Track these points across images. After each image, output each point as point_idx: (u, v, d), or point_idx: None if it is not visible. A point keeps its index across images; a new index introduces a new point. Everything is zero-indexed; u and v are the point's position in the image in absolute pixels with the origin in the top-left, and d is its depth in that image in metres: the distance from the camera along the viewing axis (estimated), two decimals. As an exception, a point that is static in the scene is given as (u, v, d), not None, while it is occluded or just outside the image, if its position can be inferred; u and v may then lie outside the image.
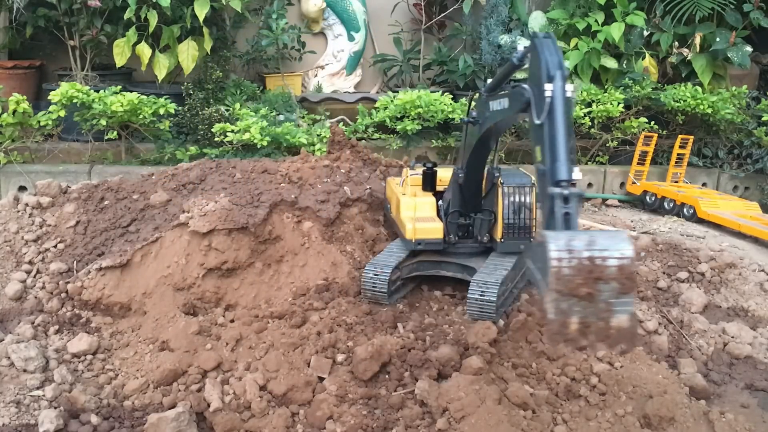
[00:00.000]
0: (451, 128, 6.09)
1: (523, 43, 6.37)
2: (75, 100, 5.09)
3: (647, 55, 6.54)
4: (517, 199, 3.47)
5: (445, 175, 3.81)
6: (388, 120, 5.87)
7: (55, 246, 3.86)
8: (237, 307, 3.53)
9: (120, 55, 5.58)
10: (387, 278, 3.40)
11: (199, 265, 3.55)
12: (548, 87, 2.40)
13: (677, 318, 3.74)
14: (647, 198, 5.88)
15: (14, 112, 5.17)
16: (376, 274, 3.42)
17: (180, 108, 5.58)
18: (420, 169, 3.87)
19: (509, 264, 3.43)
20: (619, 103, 5.98)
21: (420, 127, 5.84)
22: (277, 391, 2.92)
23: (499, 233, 3.50)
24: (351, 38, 6.97)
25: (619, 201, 6.10)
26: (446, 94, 6.01)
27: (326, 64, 7.03)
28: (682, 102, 6.07)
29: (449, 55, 6.81)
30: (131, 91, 5.24)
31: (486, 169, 3.60)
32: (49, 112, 5.20)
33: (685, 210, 5.56)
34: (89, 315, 3.49)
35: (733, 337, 3.61)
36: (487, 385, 2.82)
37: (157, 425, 2.72)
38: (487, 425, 2.64)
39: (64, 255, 3.81)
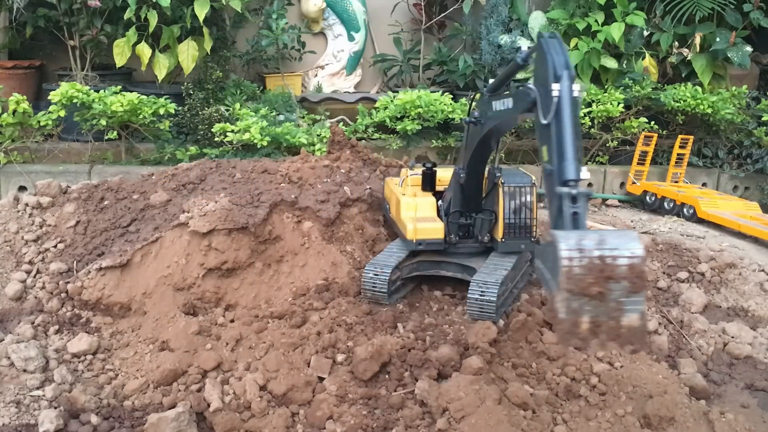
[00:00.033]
0: (451, 128, 6.09)
1: (523, 43, 6.38)
2: (75, 100, 5.09)
3: (647, 55, 6.53)
4: (517, 199, 3.47)
5: (444, 175, 3.81)
6: (388, 120, 5.87)
7: (55, 246, 3.86)
8: (237, 307, 3.53)
9: (120, 55, 5.58)
10: (387, 278, 3.40)
11: (199, 265, 3.55)
12: (555, 87, 2.40)
13: (677, 318, 3.75)
14: (647, 198, 5.88)
15: (14, 112, 5.17)
16: (376, 274, 3.42)
17: (180, 108, 5.58)
18: (418, 169, 3.87)
19: (509, 264, 3.43)
20: (619, 103, 5.98)
21: (420, 127, 5.84)
22: (277, 391, 2.92)
23: (500, 233, 3.50)
24: (351, 38, 6.96)
25: (619, 201, 6.10)
26: (446, 94, 6.01)
27: (326, 64, 7.03)
28: (682, 102, 6.07)
29: (449, 55, 6.81)
30: (131, 91, 5.24)
31: (487, 169, 3.60)
32: (49, 112, 5.20)
33: (685, 210, 5.56)
34: (89, 315, 3.49)
35: (733, 337, 3.61)
36: (487, 385, 2.82)
37: (157, 425, 2.72)
38: (487, 425, 2.64)
39: (64, 255, 3.81)
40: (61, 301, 3.54)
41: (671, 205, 5.65)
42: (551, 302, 2.13)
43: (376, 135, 6.03)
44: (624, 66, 6.37)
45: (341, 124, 6.00)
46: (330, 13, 6.90)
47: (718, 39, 6.33)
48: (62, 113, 5.17)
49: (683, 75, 6.56)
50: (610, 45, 6.22)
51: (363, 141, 5.87)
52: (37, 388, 2.94)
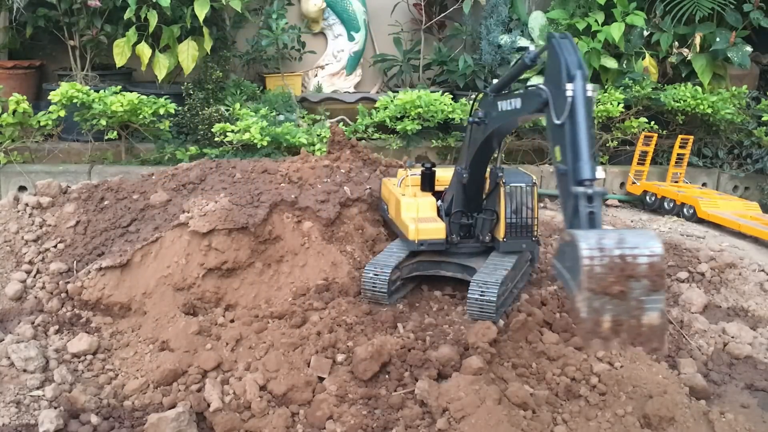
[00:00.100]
0: (451, 128, 6.09)
1: (523, 43, 6.38)
2: (75, 100, 5.09)
3: (647, 55, 6.54)
4: (519, 199, 3.48)
5: (443, 175, 3.81)
6: (388, 120, 5.87)
7: (55, 246, 3.86)
8: (237, 307, 3.53)
9: (120, 55, 5.58)
10: (387, 278, 3.40)
11: (199, 265, 3.55)
12: (569, 87, 2.40)
13: (677, 318, 3.75)
14: (647, 198, 5.88)
15: (14, 112, 5.17)
16: (376, 274, 3.42)
17: (180, 108, 5.58)
18: (416, 169, 3.87)
19: (509, 264, 3.43)
20: (619, 103, 5.98)
21: (420, 127, 5.85)
22: (277, 391, 2.92)
23: (501, 233, 3.50)
24: (351, 38, 6.96)
25: (619, 201, 6.10)
26: (446, 94, 6.01)
27: (326, 64, 7.03)
28: (682, 102, 6.07)
29: (449, 55, 6.81)
30: (131, 91, 5.24)
31: (488, 169, 3.60)
32: (49, 112, 5.20)
33: (685, 210, 5.56)
34: (89, 315, 3.49)
35: (733, 337, 3.61)
36: (487, 385, 2.82)
37: (157, 425, 2.72)
38: (487, 425, 2.63)
39: (64, 255, 3.81)
40: (61, 301, 3.54)
41: (671, 205, 5.65)
42: (571, 302, 2.13)
43: (376, 135, 6.03)
44: (624, 66, 6.38)
45: (341, 124, 6.00)
46: (330, 13, 6.90)
47: (718, 39, 6.33)
48: (62, 113, 5.17)
49: (683, 75, 6.56)
50: (610, 45, 6.23)
51: (363, 141, 5.87)
52: (37, 388, 2.94)
